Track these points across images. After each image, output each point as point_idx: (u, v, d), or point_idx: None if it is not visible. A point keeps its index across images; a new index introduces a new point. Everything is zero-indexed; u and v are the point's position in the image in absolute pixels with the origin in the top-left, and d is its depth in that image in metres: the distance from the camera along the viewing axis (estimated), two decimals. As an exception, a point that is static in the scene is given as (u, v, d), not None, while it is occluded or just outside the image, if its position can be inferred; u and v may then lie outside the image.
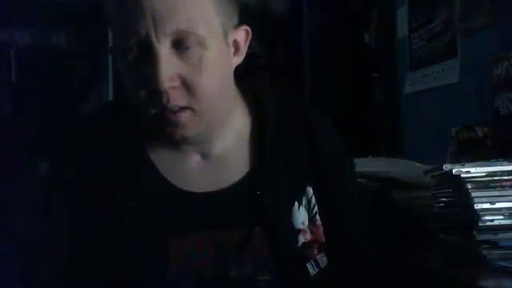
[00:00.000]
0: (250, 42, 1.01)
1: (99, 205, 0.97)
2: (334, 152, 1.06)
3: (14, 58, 3.13)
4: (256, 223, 0.98)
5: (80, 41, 3.21)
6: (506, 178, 1.05)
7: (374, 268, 1.07)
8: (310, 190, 1.02)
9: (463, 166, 1.07)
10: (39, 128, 2.82)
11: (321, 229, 1.02)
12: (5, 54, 3.12)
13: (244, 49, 1.00)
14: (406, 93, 2.28)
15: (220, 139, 1.01)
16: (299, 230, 1.00)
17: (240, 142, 1.03)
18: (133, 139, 1.01)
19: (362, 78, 2.77)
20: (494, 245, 1.02)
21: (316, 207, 1.02)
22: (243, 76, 1.04)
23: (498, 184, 1.05)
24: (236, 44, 0.99)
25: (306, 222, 1.01)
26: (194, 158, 1.01)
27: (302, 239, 1.00)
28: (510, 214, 1.03)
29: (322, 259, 1.01)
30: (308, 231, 1.00)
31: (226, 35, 0.95)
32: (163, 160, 1.00)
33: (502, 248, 1.02)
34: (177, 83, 0.90)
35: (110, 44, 2.80)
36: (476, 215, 1.02)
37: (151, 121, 0.93)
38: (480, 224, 1.02)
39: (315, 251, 1.00)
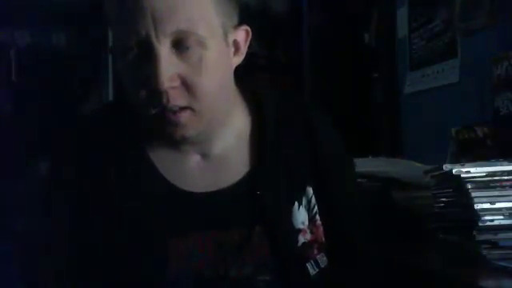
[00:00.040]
0: (250, 42, 1.01)
1: (99, 205, 0.97)
2: (334, 152, 1.06)
3: (13, 57, 3.13)
4: (256, 223, 0.98)
5: (80, 41, 3.21)
6: (506, 178, 1.05)
7: (374, 268, 1.07)
8: (310, 190, 1.02)
9: (463, 166, 1.07)
10: (39, 128, 2.82)
11: (321, 229, 1.02)
12: (5, 54, 3.12)
13: (244, 49, 1.00)
14: (406, 93, 2.28)
15: (220, 139, 1.01)
16: (299, 230, 1.00)
17: (240, 141, 1.03)
18: (133, 139, 1.01)
19: (362, 77, 2.77)
20: (494, 245, 1.02)
21: (316, 207, 1.02)
22: (243, 76, 1.04)
23: (497, 184, 1.05)
24: (236, 44, 0.99)
25: (306, 222, 1.01)
26: (194, 158, 1.01)
27: (301, 239, 1.00)
28: (510, 213, 1.03)
29: (322, 259, 1.01)
30: (308, 231, 1.00)
31: (226, 35, 0.95)
32: (163, 160, 1.00)
33: (502, 248, 1.02)
34: (177, 83, 0.90)
35: (110, 44, 2.80)
36: (476, 215, 1.02)
37: (151, 121, 0.93)
38: (480, 224, 1.02)
39: (315, 251, 1.00)
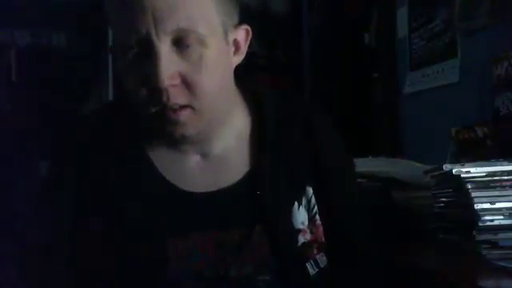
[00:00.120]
0: (250, 41, 1.01)
1: (99, 205, 0.97)
2: (333, 152, 1.06)
3: (13, 57, 3.13)
4: (256, 223, 0.98)
5: (80, 41, 3.21)
6: (505, 178, 1.05)
7: (374, 268, 1.07)
8: (310, 190, 1.02)
9: (463, 165, 1.07)
10: (39, 128, 2.82)
11: (320, 229, 1.02)
12: (5, 54, 3.12)
13: (244, 48, 1.00)
14: (406, 93, 2.28)
15: (220, 139, 1.01)
16: (299, 230, 1.00)
17: (240, 141, 1.03)
18: (133, 139, 1.01)
19: (362, 77, 2.77)
20: (494, 245, 1.02)
21: (316, 207, 1.02)
22: (243, 76, 1.04)
23: (497, 184, 1.05)
24: (236, 43, 0.99)
25: (306, 222, 1.01)
26: (194, 158, 1.01)
27: (301, 239, 1.00)
28: (510, 213, 1.03)
29: (322, 259, 1.01)
30: (308, 231, 1.00)
31: (226, 34, 0.95)
32: (163, 160, 1.00)
33: (502, 248, 1.02)
34: (177, 81, 0.90)
35: (110, 44, 2.80)
36: (476, 215, 1.03)
37: (151, 119, 0.93)
38: (480, 224, 1.02)
39: (315, 251, 1.00)
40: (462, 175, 1.05)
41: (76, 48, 3.22)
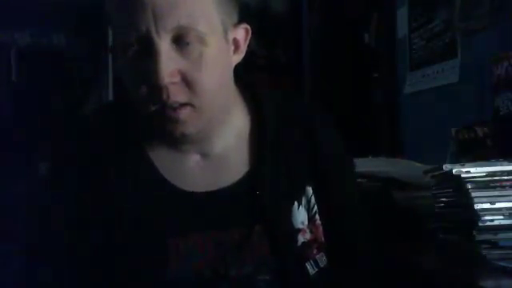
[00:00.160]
0: (250, 41, 1.01)
1: (99, 205, 0.97)
2: (333, 152, 1.06)
3: (14, 57, 3.13)
4: (256, 223, 0.98)
5: (80, 41, 3.21)
6: (505, 177, 1.05)
7: (374, 268, 1.07)
8: (310, 190, 1.02)
9: (463, 165, 1.07)
10: (39, 128, 2.82)
11: (320, 228, 1.02)
12: (5, 53, 3.12)
13: (244, 47, 1.00)
14: (406, 93, 2.28)
15: (220, 138, 1.01)
16: (299, 230, 1.00)
17: (240, 141, 1.03)
18: (133, 139, 1.01)
19: (362, 78, 2.77)
20: (494, 245, 1.02)
21: (315, 207, 1.02)
22: (243, 75, 1.04)
23: (497, 184, 1.05)
24: (236, 42, 0.99)
25: (306, 222, 1.01)
26: (194, 158, 1.01)
27: (301, 239, 1.00)
28: (510, 213, 1.03)
29: (322, 259, 1.01)
30: (307, 231, 1.00)
31: (225, 33, 0.95)
32: (163, 160, 1.00)
33: (502, 248, 1.02)
34: (177, 79, 0.90)
35: (110, 44, 2.80)
36: (476, 215, 1.02)
37: (151, 118, 0.93)
38: (480, 224, 1.02)
39: (315, 251, 1.00)
40: (462, 175, 1.05)
41: (76, 48, 3.22)
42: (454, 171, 1.06)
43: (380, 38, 2.54)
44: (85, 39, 3.19)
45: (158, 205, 0.97)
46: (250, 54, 1.02)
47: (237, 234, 0.97)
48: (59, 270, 0.98)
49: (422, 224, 1.25)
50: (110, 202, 0.97)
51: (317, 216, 1.02)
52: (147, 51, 0.89)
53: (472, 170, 1.05)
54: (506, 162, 1.07)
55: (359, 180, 1.30)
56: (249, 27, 1.00)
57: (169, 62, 0.88)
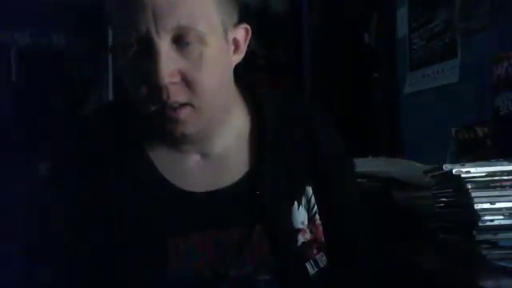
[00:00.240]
0: (250, 41, 1.01)
1: (99, 205, 0.97)
2: (333, 152, 1.06)
3: (14, 57, 3.13)
4: (256, 223, 0.98)
5: (80, 41, 3.21)
6: (506, 177, 1.05)
7: (374, 268, 1.07)
8: (310, 190, 1.02)
9: (463, 165, 1.07)
10: (39, 128, 2.81)
11: (320, 228, 1.02)
12: (5, 53, 3.12)
13: (244, 47, 1.00)
14: (406, 93, 2.28)
15: (219, 138, 1.01)
16: (299, 230, 1.00)
17: (239, 141, 1.03)
18: (133, 139, 1.01)
19: (362, 77, 2.77)
20: (494, 245, 1.02)
21: (315, 207, 1.02)
22: (243, 75, 1.04)
23: (498, 184, 1.05)
24: (236, 42, 0.99)
25: (306, 222, 1.01)
26: (194, 158, 1.01)
27: (301, 239, 1.00)
28: (510, 213, 1.03)
29: (322, 259, 1.01)
30: (307, 231, 1.00)
31: (225, 33, 0.95)
32: (163, 160, 1.00)
33: (502, 248, 1.02)
34: (177, 79, 0.90)
35: (110, 44, 2.80)
36: (476, 215, 1.02)
37: (151, 118, 0.93)
38: (480, 224, 1.02)
39: (315, 251, 1.00)
40: (462, 175, 1.05)
41: (76, 48, 3.22)
42: (454, 171, 1.06)
43: (380, 38, 2.54)
44: (85, 39, 3.19)
45: (158, 205, 0.97)
46: (249, 54, 1.02)
47: (237, 233, 0.97)
48: (59, 270, 0.98)
49: (422, 224, 1.25)
50: (110, 202, 0.97)
51: (317, 216, 1.02)
52: (147, 51, 0.89)
53: (472, 169, 1.05)
54: (506, 162, 1.07)
55: (359, 180, 1.30)
56: (249, 27, 1.00)
57: (169, 62, 0.89)
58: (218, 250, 0.96)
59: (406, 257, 1.19)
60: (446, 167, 1.09)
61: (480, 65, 1.71)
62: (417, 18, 2.19)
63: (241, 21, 0.99)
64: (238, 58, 1.00)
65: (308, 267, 0.99)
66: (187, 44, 0.90)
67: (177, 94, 0.90)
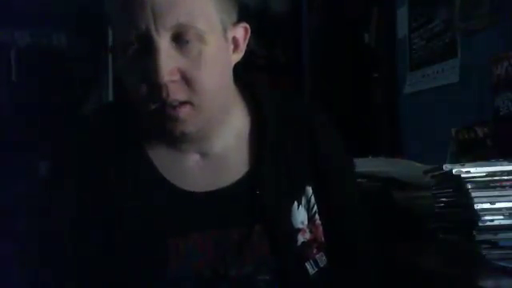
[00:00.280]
0: (249, 41, 1.01)
1: (99, 205, 0.97)
2: (333, 152, 1.06)
3: (13, 57, 3.13)
4: (255, 222, 0.98)
5: (80, 41, 3.21)
6: (506, 177, 1.05)
7: (374, 268, 1.07)
8: (310, 190, 1.02)
9: (463, 165, 1.07)
10: (39, 128, 2.81)
11: (320, 228, 1.02)
12: (5, 53, 3.12)
13: (243, 46, 1.01)
14: (406, 93, 2.28)
15: (219, 138, 1.01)
16: (298, 230, 1.00)
17: (239, 141, 1.03)
18: (132, 139, 1.01)
19: (362, 77, 2.77)
20: (494, 245, 1.02)
21: (315, 207, 1.02)
22: (242, 75, 1.04)
23: (498, 184, 1.05)
24: (235, 41, 0.99)
25: (306, 222, 1.01)
26: (194, 158, 1.01)
27: (301, 238, 1.00)
28: (510, 213, 1.03)
29: (322, 259, 1.01)
30: (307, 231, 1.00)
31: (225, 31, 0.95)
32: (163, 159, 1.00)
33: (502, 248, 1.02)
34: (176, 77, 0.90)
35: (110, 44, 2.80)
36: (476, 215, 1.02)
37: (151, 117, 0.93)
38: (480, 224, 1.02)
39: (314, 251, 1.00)
40: (462, 175, 1.05)
41: (76, 48, 3.22)
42: (454, 171, 1.06)
43: (380, 38, 2.54)
44: (85, 39, 3.19)
45: (158, 205, 0.97)
46: (249, 53, 1.02)
47: (237, 233, 0.97)
48: (59, 270, 0.98)
49: (422, 224, 1.25)
50: (110, 202, 0.97)
51: (317, 216, 1.02)
52: (147, 49, 0.89)
53: (472, 169, 1.05)
54: (506, 162, 1.07)
55: (359, 180, 1.30)
56: (248, 26, 1.01)
57: (168, 60, 0.89)
58: (218, 249, 0.96)
59: (406, 257, 1.19)
60: (446, 167, 1.09)
61: (480, 65, 1.71)
62: (417, 18, 2.19)
63: (240, 20, 0.99)
64: (237, 56, 1.00)
65: (308, 267, 0.99)
66: (187, 42, 0.90)
67: (176, 92, 0.90)
